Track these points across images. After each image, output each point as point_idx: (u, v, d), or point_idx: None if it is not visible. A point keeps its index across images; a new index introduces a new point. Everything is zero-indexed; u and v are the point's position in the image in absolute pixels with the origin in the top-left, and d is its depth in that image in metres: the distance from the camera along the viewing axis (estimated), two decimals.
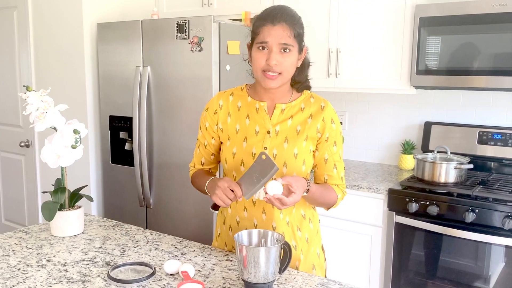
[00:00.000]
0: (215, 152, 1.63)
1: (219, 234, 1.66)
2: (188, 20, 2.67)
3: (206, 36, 2.61)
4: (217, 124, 1.57)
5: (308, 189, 1.42)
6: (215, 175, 1.67)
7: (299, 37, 1.44)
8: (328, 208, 1.59)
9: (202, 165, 1.65)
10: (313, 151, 1.53)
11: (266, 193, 1.32)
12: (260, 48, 1.42)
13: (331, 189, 1.54)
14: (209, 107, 1.60)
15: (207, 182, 1.52)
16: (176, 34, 2.72)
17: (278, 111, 1.52)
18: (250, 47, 1.49)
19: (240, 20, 3.02)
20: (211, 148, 1.62)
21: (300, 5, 2.94)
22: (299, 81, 1.55)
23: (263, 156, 1.35)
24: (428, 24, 2.53)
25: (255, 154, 1.49)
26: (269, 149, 1.49)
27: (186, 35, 2.68)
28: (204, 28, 2.62)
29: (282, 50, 1.41)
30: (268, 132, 1.50)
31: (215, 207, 1.45)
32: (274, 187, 1.32)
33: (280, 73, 1.42)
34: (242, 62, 1.57)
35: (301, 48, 1.47)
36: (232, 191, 1.37)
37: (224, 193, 1.37)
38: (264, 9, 1.48)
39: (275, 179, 1.34)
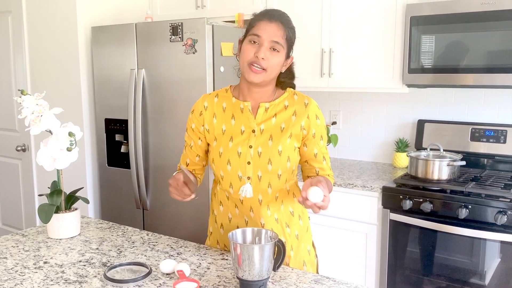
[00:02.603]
0: (200, 153, 1.65)
1: (211, 232, 1.69)
2: (182, 23, 2.68)
3: (200, 38, 2.63)
4: (203, 125, 1.60)
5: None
6: (199, 177, 1.70)
7: (289, 41, 1.49)
8: None
9: (187, 165, 1.68)
10: (298, 148, 1.56)
11: (306, 199, 1.32)
12: (252, 41, 1.46)
13: (328, 180, 1.58)
14: (194, 109, 1.63)
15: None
16: (170, 36, 2.74)
17: (262, 110, 1.55)
18: (241, 41, 1.52)
19: (233, 22, 3.04)
20: (197, 149, 1.64)
21: (293, 6, 2.97)
22: (284, 81, 1.59)
23: None
24: (419, 23, 2.56)
25: (240, 153, 1.52)
26: (254, 147, 1.52)
27: (180, 37, 2.70)
28: (198, 30, 2.64)
29: (272, 49, 1.45)
30: (253, 131, 1.53)
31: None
32: (316, 195, 1.32)
33: (265, 69, 1.46)
34: (235, 63, 1.59)
35: (288, 54, 1.52)
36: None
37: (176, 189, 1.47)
38: (258, 10, 1.54)
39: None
